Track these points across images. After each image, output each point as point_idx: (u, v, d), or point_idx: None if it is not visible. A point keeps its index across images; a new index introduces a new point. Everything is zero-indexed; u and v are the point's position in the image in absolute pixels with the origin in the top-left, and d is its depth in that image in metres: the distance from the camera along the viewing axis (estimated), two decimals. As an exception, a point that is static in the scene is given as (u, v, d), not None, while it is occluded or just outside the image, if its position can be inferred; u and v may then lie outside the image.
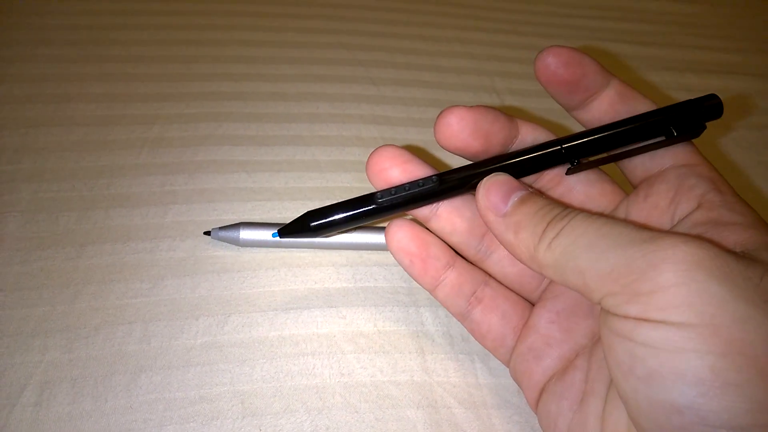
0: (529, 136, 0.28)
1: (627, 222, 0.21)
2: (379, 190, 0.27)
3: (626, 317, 0.19)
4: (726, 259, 0.19)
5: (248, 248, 0.34)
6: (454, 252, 0.29)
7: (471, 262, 0.30)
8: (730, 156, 0.46)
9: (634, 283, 0.19)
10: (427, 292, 0.31)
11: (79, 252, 0.33)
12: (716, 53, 0.58)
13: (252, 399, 0.28)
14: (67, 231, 0.34)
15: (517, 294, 0.29)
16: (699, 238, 0.19)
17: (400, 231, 0.28)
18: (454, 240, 0.29)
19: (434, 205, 0.28)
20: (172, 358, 0.29)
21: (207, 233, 0.34)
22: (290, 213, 0.37)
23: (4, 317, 0.30)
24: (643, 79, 0.53)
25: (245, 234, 0.34)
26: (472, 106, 0.27)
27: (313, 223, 0.29)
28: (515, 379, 0.28)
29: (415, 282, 0.33)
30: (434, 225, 0.29)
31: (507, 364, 0.29)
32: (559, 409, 0.25)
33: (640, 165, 0.27)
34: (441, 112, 0.27)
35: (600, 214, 0.22)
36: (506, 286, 0.29)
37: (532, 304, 0.29)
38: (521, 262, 0.24)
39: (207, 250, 0.34)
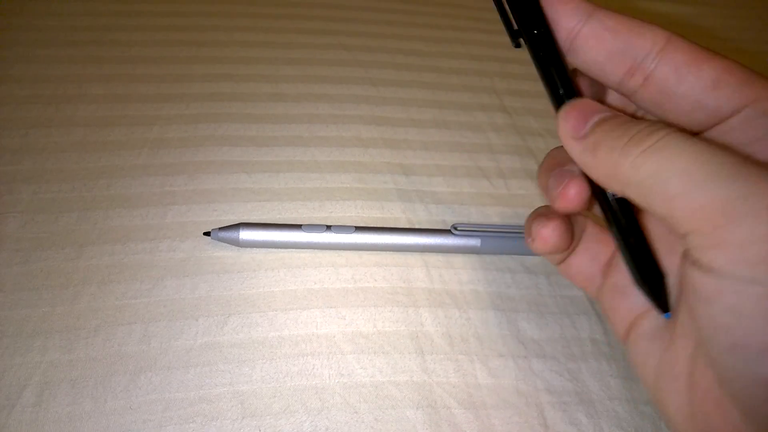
0: None
1: (730, 150, 0.18)
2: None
3: (711, 269, 0.18)
4: None
5: (248, 249, 0.34)
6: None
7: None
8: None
9: (728, 227, 0.17)
10: (427, 292, 0.31)
11: (78, 253, 0.33)
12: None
13: (251, 399, 0.28)
14: (66, 232, 0.34)
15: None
16: None
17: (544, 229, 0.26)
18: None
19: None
20: (171, 358, 0.29)
21: (207, 234, 0.34)
22: (290, 213, 0.37)
23: (3, 318, 0.30)
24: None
25: (245, 234, 0.34)
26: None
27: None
28: (604, 314, 0.27)
29: (414, 283, 0.34)
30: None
31: (596, 299, 0.28)
32: (649, 348, 0.24)
33: None
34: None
35: (697, 139, 0.19)
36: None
37: None
38: (602, 185, 0.22)
39: (207, 251, 0.34)
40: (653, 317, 0.24)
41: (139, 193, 0.37)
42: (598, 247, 0.28)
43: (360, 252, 0.35)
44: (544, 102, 0.49)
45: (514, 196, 0.40)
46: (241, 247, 0.34)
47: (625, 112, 0.23)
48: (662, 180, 0.18)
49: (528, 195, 0.40)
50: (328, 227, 0.34)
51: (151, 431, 0.27)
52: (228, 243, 0.34)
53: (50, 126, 0.40)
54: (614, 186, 0.21)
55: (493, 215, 0.39)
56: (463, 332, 0.32)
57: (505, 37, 0.54)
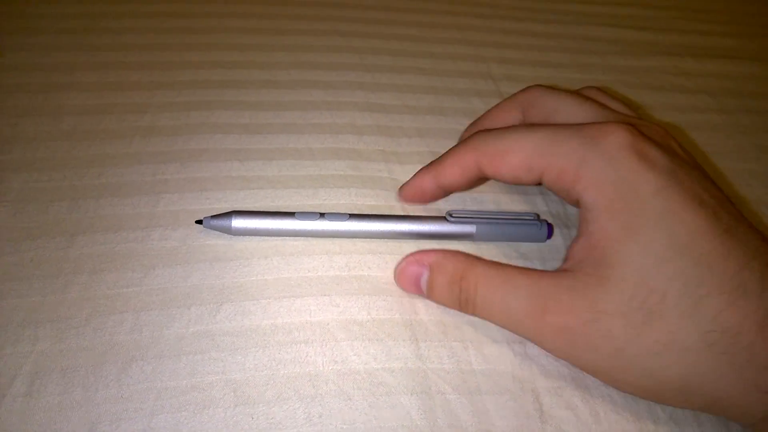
0: None
1: (514, 271, 0.29)
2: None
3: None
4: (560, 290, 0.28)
5: (240, 237, 0.34)
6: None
7: None
8: (731, 140, 0.46)
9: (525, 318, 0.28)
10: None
11: (69, 242, 0.33)
12: (714, 38, 0.58)
13: (244, 387, 0.28)
14: (57, 221, 0.34)
15: None
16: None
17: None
18: None
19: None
20: (163, 347, 0.29)
21: (198, 222, 0.34)
22: (283, 201, 0.36)
23: (-6, 308, 0.30)
24: (642, 65, 0.53)
25: (237, 223, 0.33)
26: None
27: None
28: None
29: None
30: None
31: None
32: None
33: None
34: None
35: (496, 269, 0.29)
36: None
37: None
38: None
39: (199, 240, 0.34)
40: None
41: (130, 181, 0.36)
42: None
43: (354, 240, 0.35)
44: (541, 87, 0.49)
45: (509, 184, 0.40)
46: (234, 235, 0.34)
47: None
48: (495, 313, 0.30)
49: (524, 181, 0.40)
50: (322, 215, 0.34)
51: (142, 420, 0.27)
52: (220, 231, 0.34)
53: (40, 114, 0.40)
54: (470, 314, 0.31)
55: (488, 202, 0.38)
56: (457, 320, 0.31)
57: (502, 23, 0.54)
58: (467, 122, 0.44)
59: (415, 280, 0.31)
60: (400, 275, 0.32)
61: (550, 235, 0.35)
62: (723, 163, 0.44)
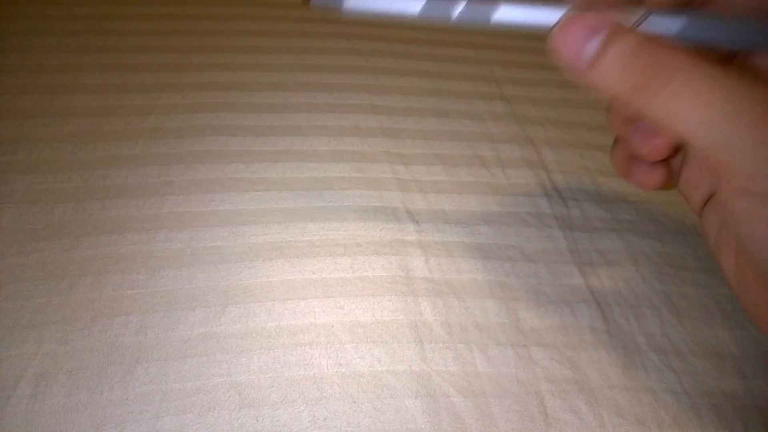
0: None
1: (747, 80, 0.18)
2: None
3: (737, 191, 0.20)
4: None
5: (246, 236, 0.34)
6: None
7: None
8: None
9: (747, 162, 0.18)
10: (426, 281, 0.30)
11: (74, 243, 0.33)
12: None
13: (249, 390, 0.28)
14: (62, 222, 0.34)
15: None
16: None
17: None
18: None
19: None
20: (168, 349, 0.29)
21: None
22: (289, 203, 0.36)
23: (-1, 309, 0.30)
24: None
25: None
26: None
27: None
28: (684, 195, 0.29)
29: (413, 272, 0.33)
30: None
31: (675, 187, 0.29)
32: (709, 226, 0.27)
33: None
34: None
35: (712, 64, 0.19)
36: None
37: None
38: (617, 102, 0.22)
39: (204, 241, 0.34)
40: (713, 204, 0.27)
41: (135, 183, 0.36)
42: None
43: (359, 240, 0.35)
44: (545, 91, 0.49)
45: (513, 186, 0.40)
46: (344, 12, 0.24)
47: None
48: (685, 118, 0.19)
49: (527, 184, 0.40)
50: None
51: (147, 422, 0.27)
52: (330, 8, 0.24)
53: (46, 116, 0.40)
54: (635, 112, 0.21)
55: (492, 204, 0.38)
56: (462, 321, 0.32)
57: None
58: (471, 124, 0.44)
59: (581, 40, 0.20)
60: (562, 33, 0.21)
61: None
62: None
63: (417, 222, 0.36)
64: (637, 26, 0.21)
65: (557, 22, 0.21)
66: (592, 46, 0.20)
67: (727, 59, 0.23)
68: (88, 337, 0.29)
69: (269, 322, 0.31)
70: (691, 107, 0.18)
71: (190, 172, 0.37)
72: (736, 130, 0.18)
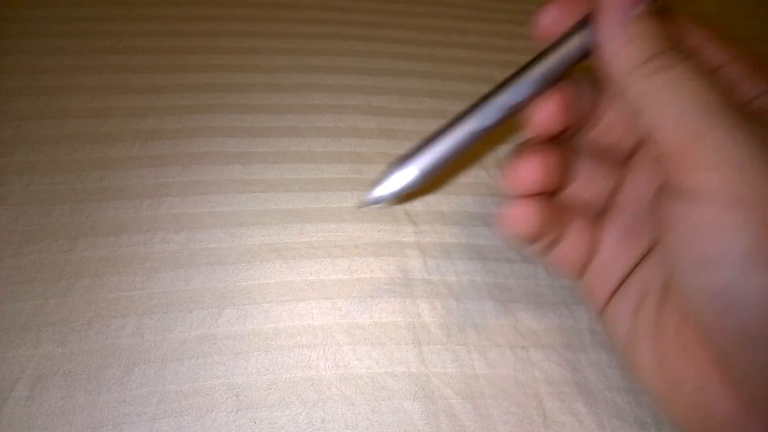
0: None
1: (726, 93, 0.21)
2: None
3: (679, 190, 0.21)
4: None
5: (242, 238, 0.34)
6: (559, 210, 0.28)
7: None
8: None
9: (704, 150, 0.20)
10: (424, 283, 0.30)
11: (71, 245, 0.33)
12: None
13: (247, 392, 0.28)
14: (59, 224, 0.34)
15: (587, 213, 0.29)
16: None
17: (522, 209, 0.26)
18: None
19: None
20: (165, 351, 0.29)
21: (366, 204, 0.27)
22: (286, 205, 0.36)
23: (-4, 311, 0.30)
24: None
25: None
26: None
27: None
28: (584, 294, 0.29)
29: (411, 273, 0.33)
30: None
31: (575, 280, 0.29)
32: (620, 316, 0.27)
33: None
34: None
35: (705, 74, 0.21)
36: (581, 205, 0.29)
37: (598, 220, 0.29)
38: (609, 73, 0.23)
39: (201, 243, 0.34)
40: (628, 289, 0.27)
41: (132, 184, 0.36)
42: (584, 234, 0.28)
43: (356, 242, 0.35)
44: (543, 91, 0.49)
45: (512, 186, 0.40)
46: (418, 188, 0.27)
47: None
48: (661, 99, 0.21)
49: (526, 185, 0.40)
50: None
51: (145, 424, 0.27)
52: (399, 195, 0.27)
53: (42, 118, 0.40)
54: (619, 81, 0.23)
55: (491, 206, 0.38)
56: (461, 323, 0.31)
57: (504, 27, 0.53)
58: (469, 126, 0.44)
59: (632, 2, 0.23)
60: None
61: None
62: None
63: (415, 223, 0.36)
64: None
65: None
66: (638, 9, 0.22)
67: None
68: (86, 338, 0.29)
69: (267, 323, 0.31)
70: (675, 94, 0.21)
71: (187, 173, 0.37)
72: (715, 127, 0.20)
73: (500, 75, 0.49)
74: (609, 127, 0.29)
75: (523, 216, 0.26)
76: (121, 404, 0.27)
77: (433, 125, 0.43)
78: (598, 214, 0.29)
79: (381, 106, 0.45)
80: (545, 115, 0.26)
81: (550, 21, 0.26)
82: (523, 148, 0.27)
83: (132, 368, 0.28)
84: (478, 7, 0.58)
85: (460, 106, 0.45)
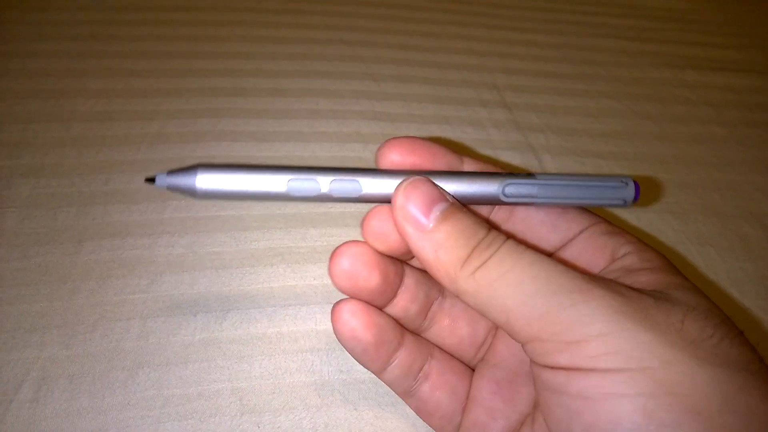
0: None
1: (556, 262, 0.20)
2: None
3: (555, 368, 0.19)
4: (650, 308, 0.19)
5: (247, 242, 0.34)
6: (402, 328, 0.26)
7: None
8: (733, 152, 0.46)
9: (562, 333, 0.19)
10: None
11: (77, 248, 0.33)
12: (716, 50, 0.58)
13: (250, 396, 0.28)
14: (65, 227, 0.34)
15: (460, 361, 0.27)
16: (623, 290, 0.20)
17: (352, 318, 0.24)
18: (409, 317, 0.26)
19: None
20: (170, 354, 0.29)
21: (150, 180, 0.23)
22: (290, 209, 0.37)
23: (1, 313, 0.30)
24: (644, 76, 0.53)
25: (204, 180, 0.22)
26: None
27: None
28: None
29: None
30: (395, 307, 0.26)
31: None
32: None
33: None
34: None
35: (527, 247, 0.21)
36: (450, 353, 0.27)
37: (472, 369, 0.27)
38: (440, 282, 0.22)
39: (205, 247, 0.34)
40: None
41: (138, 188, 0.36)
42: (455, 379, 0.26)
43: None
44: (545, 98, 0.50)
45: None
46: (199, 198, 0.23)
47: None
48: (499, 294, 0.20)
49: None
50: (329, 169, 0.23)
51: (149, 427, 0.27)
52: (181, 192, 0.23)
53: (49, 121, 0.40)
54: (450, 289, 0.21)
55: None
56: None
57: (506, 33, 0.53)
58: (471, 131, 0.44)
59: (430, 202, 0.22)
60: (410, 189, 0.22)
61: (637, 195, 0.26)
62: (726, 176, 0.44)
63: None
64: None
65: (400, 184, 0.22)
66: (436, 212, 0.21)
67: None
68: (90, 341, 0.29)
69: (270, 327, 0.31)
70: (509, 278, 0.20)
71: (193, 177, 0.37)
72: (548, 303, 0.19)
73: (503, 81, 0.50)
74: None
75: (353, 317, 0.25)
76: (125, 407, 0.27)
77: (437, 131, 0.44)
78: (472, 361, 0.27)
79: (385, 112, 0.45)
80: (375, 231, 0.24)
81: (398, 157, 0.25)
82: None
83: (136, 371, 0.28)
84: (481, 14, 0.58)
85: (462, 112, 0.46)
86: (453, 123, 0.45)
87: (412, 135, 0.25)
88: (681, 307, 0.20)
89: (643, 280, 0.22)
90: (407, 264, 0.26)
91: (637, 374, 0.18)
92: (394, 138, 0.25)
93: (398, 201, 0.22)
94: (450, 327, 0.27)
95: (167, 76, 0.45)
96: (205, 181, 0.22)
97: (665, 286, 0.21)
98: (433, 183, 0.23)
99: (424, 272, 0.26)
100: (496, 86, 0.49)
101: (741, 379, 0.18)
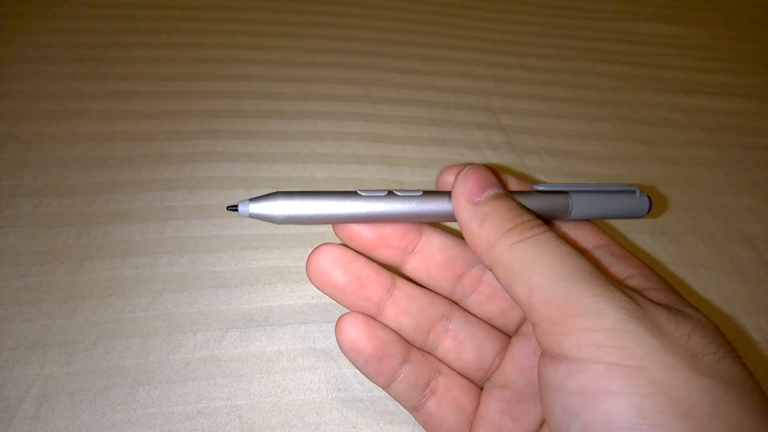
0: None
1: (589, 261, 0.22)
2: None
3: (558, 358, 0.20)
4: (661, 318, 0.20)
5: (246, 260, 0.35)
6: (408, 343, 0.27)
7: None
8: (725, 175, 0.47)
9: (575, 318, 0.20)
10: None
11: (78, 267, 0.33)
12: (707, 74, 0.59)
13: (249, 414, 0.28)
14: (66, 246, 0.34)
15: (468, 379, 0.28)
16: (641, 299, 0.21)
17: (353, 330, 0.26)
18: (403, 332, 0.27)
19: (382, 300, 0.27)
20: (170, 372, 0.29)
21: (233, 208, 0.25)
22: (289, 230, 0.37)
23: (3, 331, 0.30)
24: (637, 100, 0.54)
25: (284, 207, 0.24)
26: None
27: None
28: None
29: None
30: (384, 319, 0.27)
31: None
32: None
33: None
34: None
35: (566, 242, 0.22)
36: (457, 372, 0.28)
37: (480, 388, 0.28)
38: (475, 253, 0.24)
39: (205, 266, 0.34)
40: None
41: (138, 208, 0.37)
42: (461, 395, 0.27)
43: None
44: (540, 121, 0.50)
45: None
46: (279, 223, 0.25)
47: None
48: (530, 269, 0.21)
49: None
50: (390, 192, 0.26)
51: (149, 445, 0.27)
52: (262, 219, 0.25)
53: (51, 141, 0.40)
54: (485, 258, 0.23)
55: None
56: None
57: (503, 57, 0.54)
58: (468, 153, 0.45)
59: (486, 184, 0.24)
60: (470, 172, 0.24)
61: (650, 207, 0.29)
62: (718, 198, 0.45)
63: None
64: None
65: (461, 170, 0.25)
66: (489, 192, 0.24)
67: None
68: (91, 359, 0.29)
69: (269, 346, 0.31)
70: (543, 258, 0.21)
71: (193, 197, 0.38)
72: (585, 292, 0.20)
73: (498, 104, 0.51)
74: (494, 295, 0.28)
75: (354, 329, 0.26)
76: (125, 425, 0.27)
77: (433, 152, 0.45)
78: (480, 381, 0.28)
79: (382, 134, 0.46)
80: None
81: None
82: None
83: (137, 389, 0.29)
84: (478, 38, 0.59)
85: (459, 134, 0.47)
86: (449, 145, 0.46)
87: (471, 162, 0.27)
88: (690, 322, 0.21)
89: (653, 297, 0.23)
90: (400, 279, 0.27)
91: (635, 372, 0.19)
92: (451, 165, 0.28)
93: (458, 179, 0.24)
94: (456, 350, 0.27)
95: (168, 97, 0.46)
96: (284, 207, 0.24)
97: (674, 305, 0.22)
98: (492, 171, 0.25)
99: (419, 289, 0.27)
100: (492, 109, 0.50)
101: (735, 393, 0.19)
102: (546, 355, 0.21)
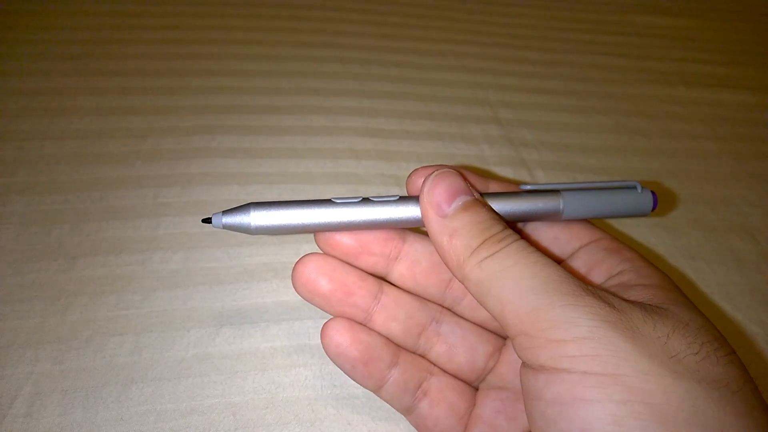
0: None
1: (559, 267, 0.21)
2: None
3: (536, 368, 0.20)
4: (637, 320, 0.20)
5: (240, 257, 0.34)
6: (396, 346, 0.27)
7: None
8: (724, 167, 0.47)
9: (548, 330, 0.20)
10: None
11: (71, 264, 0.33)
12: (707, 66, 0.59)
13: (244, 411, 0.28)
14: (59, 243, 0.34)
15: (461, 380, 0.28)
16: (614, 301, 0.20)
17: (337, 335, 0.26)
18: (392, 336, 0.27)
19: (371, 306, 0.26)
20: (163, 369, 0.29)
21: (206, 221, 0.25)
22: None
23: (-5, 329, 0.30)
24: (636, 93, 0.53)
25: (258, 218, 0.24)
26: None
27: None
28: None
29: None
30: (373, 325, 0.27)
31: None
32: None
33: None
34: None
35: (536, 250, 0.22)
36: (450, 374, 0.28)
37: (475, 388, 0.28)
38: (448, 268, 0.23)
39: (199, 262, 0.34)
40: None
41: (132, 204, 0.37)
42: (455, 397, 0.27)
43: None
44: (538, 114, 0.50)
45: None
46: (253, 234, 0.25)
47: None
48: (499, 285, 0.21)
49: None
50: (365, 199, 0.25)
51: (142, 443, 0.27)
52: (236, 230, 0.25)
53: (44, 138, 0.40)
54: (456, 274, 0.23)
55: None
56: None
57: (499, 50, 0.54)
58: (464, 147, 0.44)
59: (454, 192, 0.23)
60: (438, 179, 0.24)
61: (655, 204, 0.27)
62: (717, 190, 0.44)
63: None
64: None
65: (430, 174, 0.24)
66: (457, 202, 0.23)
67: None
68: (84, 356, 0.29)
69: (263, 342, 0.31)
70: (511, 273, 0.21)
71: (186, 193, 0.38)
72: (540, 300, 0.20)
73: (495, 97, 0.50)
74: None
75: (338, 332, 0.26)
76: (118, 422, 0.27)
77: (430, 147, 0.44)
78: (474, 383, 0.28)
79: (378, 128, 0.45)
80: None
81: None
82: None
83: (130, 386, 0.28)
84: (474, 32, 0.59)
85: (455, 128, 0.46)
86: (446, 139, 0.45)
87: (438, 164, 0.26)
88: (670, 322, 0.20)
89: (638, 295, 0.23)
90: (387, 285, 0.27)
91: (610, 380, 0.18)
92: (421, 167, 0.27)
93: (425, 187, 0.24)
94: (447, 353, 0.27)
95: (161, 93, 0.45)
96: (257, 218, 0.24)
97: (660, 302, 0.22)
98: (461, 176, 0.24)
99: (407, 295, 0.27)
100: (489, 103, 0.50)
101: (717, 395, 0.18)
102: (526, 366, 0.21)
